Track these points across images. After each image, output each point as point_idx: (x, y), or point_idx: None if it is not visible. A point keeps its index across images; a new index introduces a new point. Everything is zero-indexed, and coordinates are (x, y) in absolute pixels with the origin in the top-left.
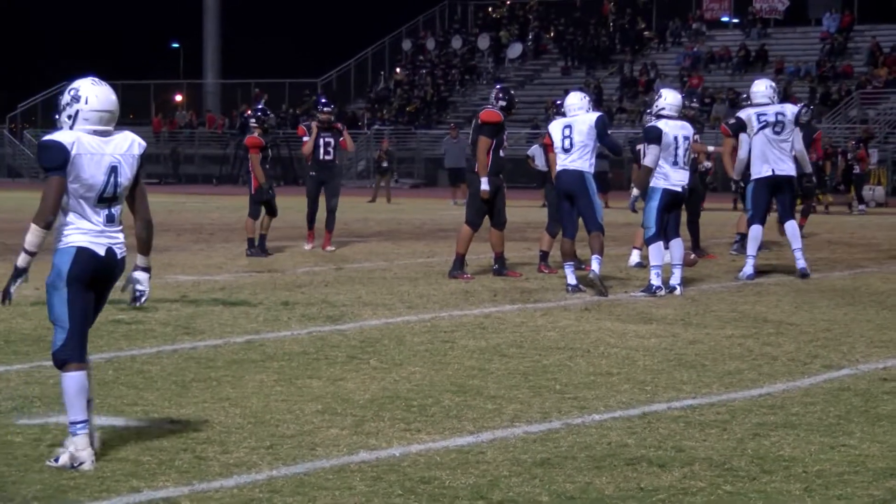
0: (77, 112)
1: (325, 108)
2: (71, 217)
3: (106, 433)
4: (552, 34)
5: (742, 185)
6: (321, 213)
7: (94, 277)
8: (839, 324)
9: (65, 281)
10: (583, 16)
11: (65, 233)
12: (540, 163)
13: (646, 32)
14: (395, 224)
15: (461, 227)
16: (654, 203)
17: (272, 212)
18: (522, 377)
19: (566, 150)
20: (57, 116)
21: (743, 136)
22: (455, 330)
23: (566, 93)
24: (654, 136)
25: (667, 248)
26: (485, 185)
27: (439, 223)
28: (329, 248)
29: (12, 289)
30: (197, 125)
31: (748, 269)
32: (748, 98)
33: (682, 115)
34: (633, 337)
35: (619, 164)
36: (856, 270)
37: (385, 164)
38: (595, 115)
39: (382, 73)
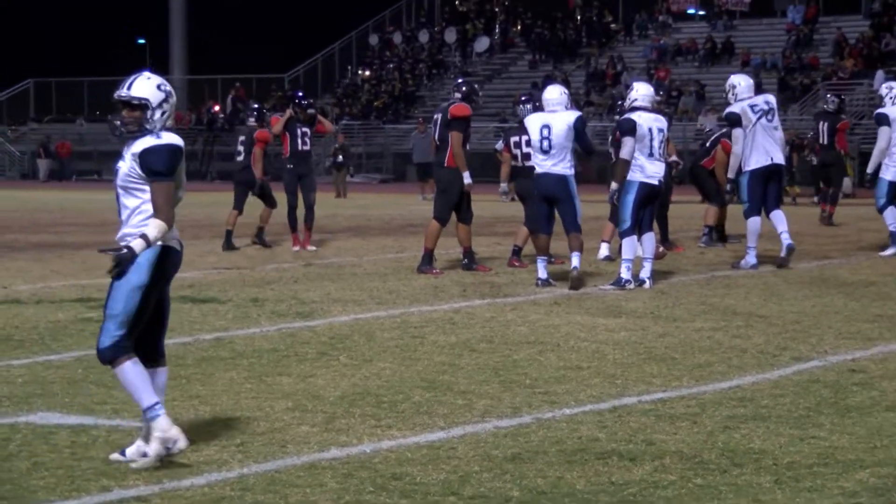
0: (170, 108)
1: (310, 110)
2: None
3: (75, 432)
4: (519, 28)
5: (735, 183)
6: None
7: (171, 275)
8: (808, 316)
9: (146, 280)
10: (549, 9)
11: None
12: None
13: (612, 25)
14: (364, 220)
15: (429, 223)
16: (631, 196)
17: (272, 204)
18: (493, 372)
19: (545, 152)
20: (150, 115)
21: (738, 132)
22: (425, 325)
23: (541, 86)
24: (629, 129)
25: (639, 241)
26: (468, 178)
27: (408, 218)
28: (311, 247)
29: (110, 250)
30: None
31: (751, 258)
32: (731, 93)
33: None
34: (603, 331)
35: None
36: (824, 262)
37: (340, 160)
38: (574, 114)
39: (349, 67)
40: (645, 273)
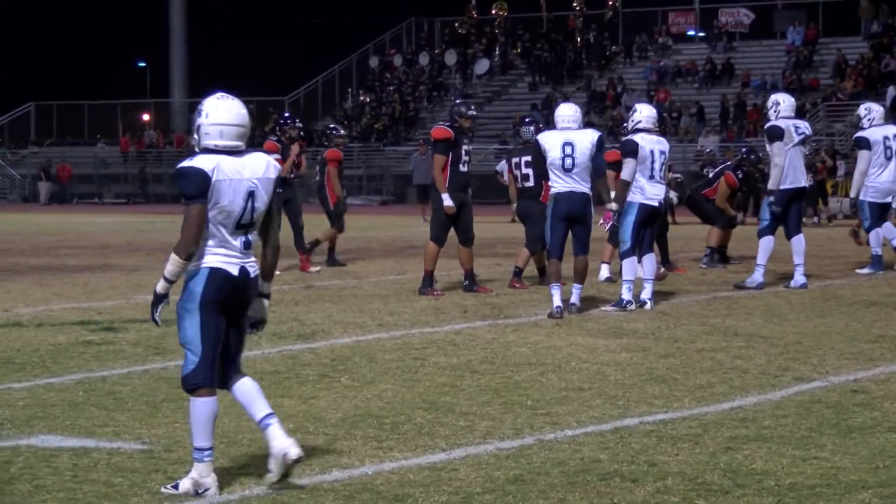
0: (199, 126)
1: (299, 125)
2: (209, 242)
3: (77, 455)
4: (519, 50)
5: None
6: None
7: (228, 299)
8: (810, 336)
9: (198, 304)
10: (549, 31)
11: (200, 259)
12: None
13: (612, 47)
14: (365, 241)
15: (427, 245)
16: (631, 217)
17: (339, 226)
18: (494, 393)
19: (566, 170)
20: (195, 136)
21: (779, 145)
22: (426, 347)
23: (554, 104)
24: (631, 150)
25: (639, 262)
26: (447, 200)
27: (409, 240)
28: (314, 269)
29: (157, 315)
30: (164, 144)
31: (758, 276)
32: (774, 110)
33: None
34: (605, 352)
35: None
36: (825, 282)
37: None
38: (595, 133)
39: (350, 90)
40: (646, 294)
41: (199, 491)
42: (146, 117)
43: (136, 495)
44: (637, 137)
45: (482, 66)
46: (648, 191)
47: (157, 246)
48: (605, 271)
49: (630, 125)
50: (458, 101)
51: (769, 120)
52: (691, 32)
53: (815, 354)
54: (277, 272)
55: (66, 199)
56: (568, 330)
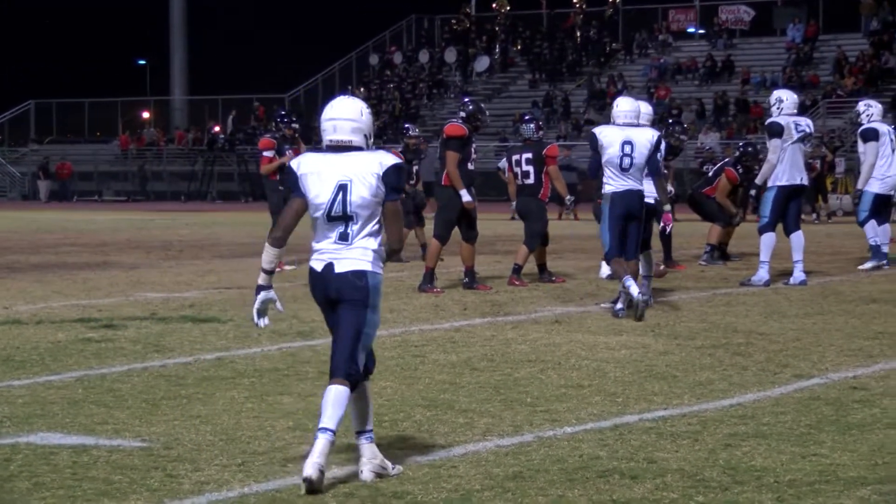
0: (324, 125)
1: (294, 125)
2: (315, 239)
3: (76, 452)
4: (519, 47)
5: (759, 191)
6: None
7: (322, 295)
8: (809, 333)
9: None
10: (549, 29)
11: (311, 255)
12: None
13: (612, 44)
14: None
15: (430, 241)
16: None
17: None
18: (493, 390)
19: (623, 169)
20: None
21: (777, 142)
22: (425, 344)
23: (611, 100)
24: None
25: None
26: (466, 196)
27: (410, 238)
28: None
29: (257, 307)
30: (164, 142)
31: (764, 273)
32: (777, 106)
33: (668, 143)
34: (604, 349)
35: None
36: (824, 279)
37: None
38: (654, 132)
39: (350, 87)
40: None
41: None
42: (146, 115)
43: (135, 493)
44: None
45: (482, 63)
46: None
47: (156, 244)
48: (605, 269)
49: (612, 123)
50: (470, 100)
51: (771, 116)
52: (691, 29)
53: (815, 351)
54: (289, 267)
55: (66, 196)
56: (567, 327)
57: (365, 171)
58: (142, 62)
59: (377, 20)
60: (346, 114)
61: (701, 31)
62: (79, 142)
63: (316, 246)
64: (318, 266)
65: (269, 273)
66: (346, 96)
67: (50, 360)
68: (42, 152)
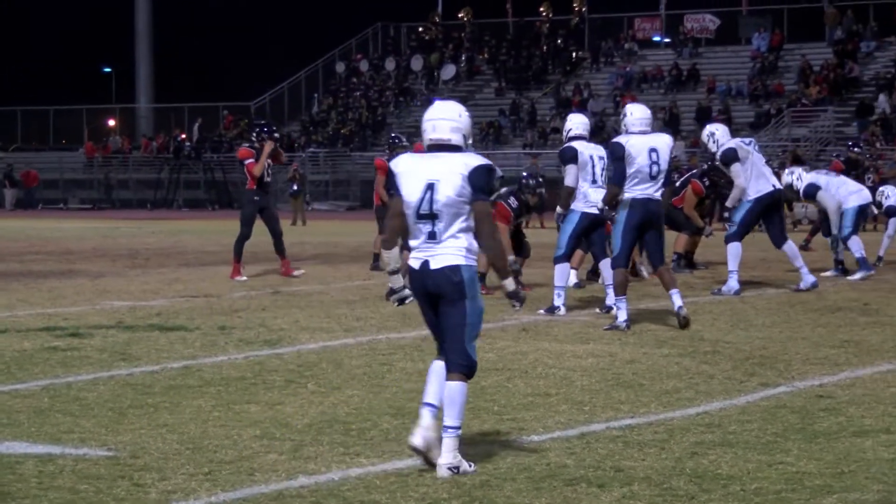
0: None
1: (275, 135)
2: (411, 235)
3: (42, 462)
4: (485, 55)
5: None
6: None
7: (421, 289)
8: (775, 342)
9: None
10: (515, 37)
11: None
12: None
13: (579, 53)
14: (332, 247)
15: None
16: (570, 226)
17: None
18: None
19: (653, 177)
20: None
21: (737, 167)
22: (393, 353)
23: (622, 106)
24: (570, 157)
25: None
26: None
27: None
28: (298, 272)
29: (393, 298)
30: (130, 150)
31: (734, 283)
32: (711, 140)
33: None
34: (571, 357)
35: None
36: (791, 288)
37: (296, 188)
38: (669, 137)
39: (316, 95)
40: (610, 300)
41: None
42: (112, 123)
43: (101, 502)
44: (575, 144)
45: (448, 71)
46: (592, 196)
47: (122, 252)
48: (573, 277)
49: (565, 135)
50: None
51: (712, 150)
52: (657, 38)
53: (781, 360)
54: (301, 271)
55: (31, 204)
56: (534, 335)
57: (452, 171)
58: (107, 70)
59: (343, 28)
60: (445, 114)
61: (666, 40)
62: (44, 149)
63: (411, 244)
64: (415, 264)
65: (396, 273)
66: (446, 100)
67: (16, 368)
68: (6, 160)
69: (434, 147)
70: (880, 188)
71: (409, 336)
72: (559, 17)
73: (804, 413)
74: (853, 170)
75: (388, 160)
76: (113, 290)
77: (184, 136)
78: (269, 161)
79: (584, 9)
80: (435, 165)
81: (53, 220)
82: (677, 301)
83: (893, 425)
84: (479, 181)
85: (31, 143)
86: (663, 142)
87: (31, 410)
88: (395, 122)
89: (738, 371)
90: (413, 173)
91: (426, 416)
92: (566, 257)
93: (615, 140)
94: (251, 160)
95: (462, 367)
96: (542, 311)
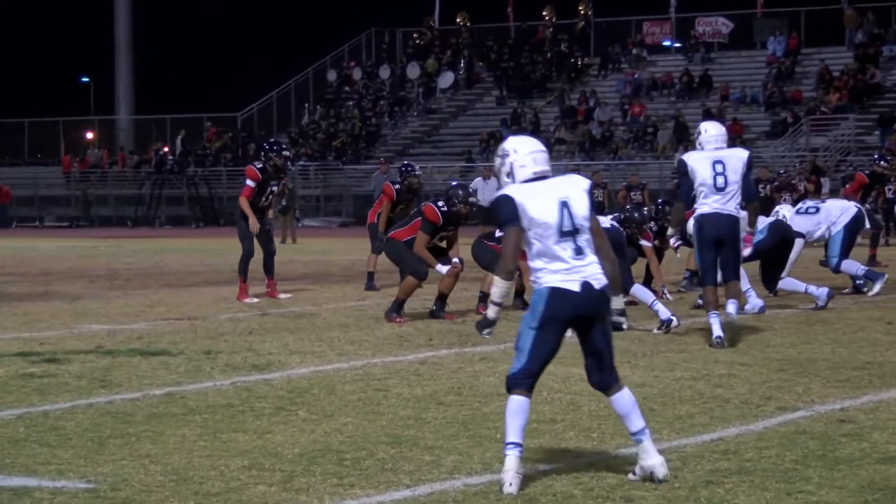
0: (511, 164)
1: (284, 153)
2: (540, 262)
3: (17, 495)
4: (486, 62)
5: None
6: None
7: (574, 315)
8: (794, 363)
9: (538, 321)
10: (517, 42)
11: (538, 276)
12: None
13: (584, 59)
14: (323, 266)
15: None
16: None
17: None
18: (461, 426)
19: (719, 189)
20: (506, 179)
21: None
22: (389, 377)
23: (700, 122)
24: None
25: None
26: (442, 269)
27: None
28: (285, 295)
29: (485, 333)
30: (109, 164)
31: (755, 300)
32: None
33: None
34: (578, 381)
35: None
36: (810, 306)
37: (284, 203)
38: (745, 152)
39: (307, 105)
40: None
41: (501, 486)
42: (90, 135)
43: None
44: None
45: (446, 79)
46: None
47: (101, 272)
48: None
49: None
50: (456, 185)
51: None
52: (667, 43)
53: (800, 382)
54: (284, 295)
55: (5, 222)
56: None
57: (575, 189)
58: (85, 80)
59: (335, 34)
60: (542, 147)
61: (677, 45)
62: (18, 164)
63: (549, 266)
64: (572, 286)
65: (500, 306)
66: (519, 135)
67: None
68: None
69: (534, 179)
70: None
71: (405, 359)
72: (563, 21)
73: (825, 439)
74: (878, 184)
75: (399, 189)
76: (91, 313)
77: (166, 148)
78: (274, 188)
79: (589, 12)
80: (556, 186)
81: (28, 238)
82: (731, 308)
83: None
84: (592, 199)
85: (4, 158)
86: (735, 154)
87: (6, 441)
88: (390, 133)
89: (755, 395)
90: (539, 194)
91: (513, 458)
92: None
93: (680, 157)
94: (251, 182)
95: (617, 377)
96: (655, 330)
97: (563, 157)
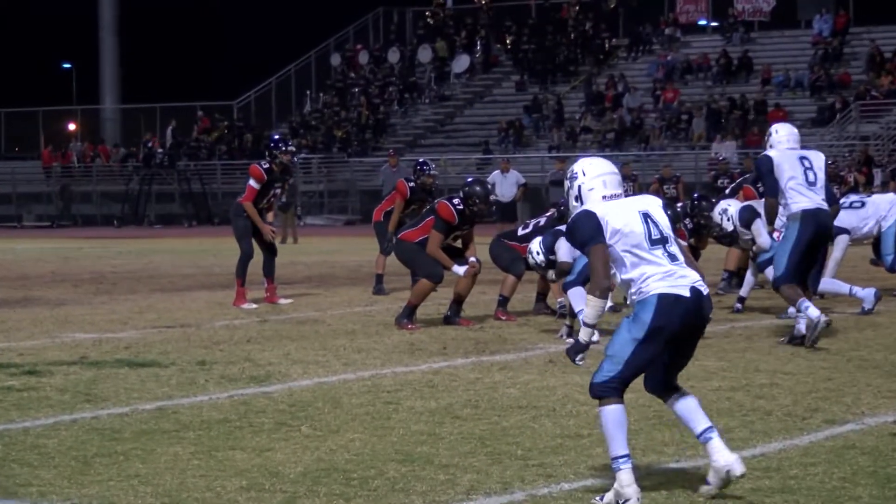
0: (579, 187)
1: (290, 148)
2: (637, 272)
3: None
4: (504, 44)
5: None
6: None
7: (681, 325)
8: (842, 372)
9: (645, 331)
10: (539, 22)
11: (641, 287)
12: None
13: (612, 40)
14: (328, 267)
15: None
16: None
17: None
18: (479, 442)
19: (811, 184)
20: (574, 203)
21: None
22: (399, 389)
23: (770, 125)
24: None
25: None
26: (459, 269)
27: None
28: (285, 300)
29: (578, 360)
30: (93, 158)
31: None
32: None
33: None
34: None
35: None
36: (859, 309)
37: (284, 200)
38: (822, 155)
39: (308, 92)
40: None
41: (620, 502)
42: (72, 127)
43: None
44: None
45: (461, 63)
46: None
47: (85, 276)
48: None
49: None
50: (472, 181)
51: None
52: (703, 22)
53: (849, 393)
54: (288, 300)
55: None
56: (562, 368)
57: (651, 203)
58: (67, 66)
59: (339, 14)
60: (614, 168)
61: (714, 24)
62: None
63: (651, 271)
64: (683, 292)
65: (594, 327)
66: (595, 157)
67: None
68: None
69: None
70: None
71: (417, 370)
72: None
73: (876, 454)
74: None
75: (413, 187)
76: (75, 321)
77: (155, 140)
78: (278, 191)
79: None
80: (632, 203)
81: (6, 239)
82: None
83: None
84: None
85: None
86: (818, 156)
87: None
88: (400, 122)
89: (800, 406)
90: (621, 207)
91: (628, 472)
92: (577, 281)
93: (764, 154)
94: (255, 184)
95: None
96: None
97: (589, 147)
